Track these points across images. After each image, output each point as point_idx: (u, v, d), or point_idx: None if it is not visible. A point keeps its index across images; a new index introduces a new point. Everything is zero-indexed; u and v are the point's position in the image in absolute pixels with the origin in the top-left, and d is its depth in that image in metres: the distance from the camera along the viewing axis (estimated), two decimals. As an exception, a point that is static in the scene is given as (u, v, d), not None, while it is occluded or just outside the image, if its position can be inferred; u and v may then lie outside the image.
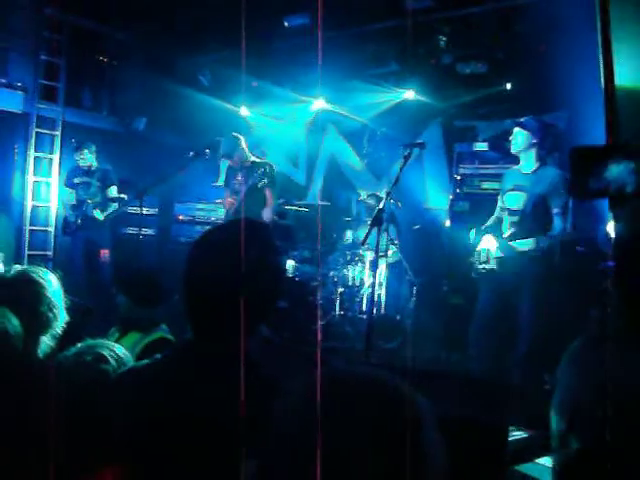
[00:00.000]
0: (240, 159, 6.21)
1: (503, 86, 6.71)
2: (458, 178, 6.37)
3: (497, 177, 5.90)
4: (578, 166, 1.16)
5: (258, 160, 6.34)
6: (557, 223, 4.62)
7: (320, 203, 8.28)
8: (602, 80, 3.00)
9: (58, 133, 8.20)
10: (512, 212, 4.79)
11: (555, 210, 4.63)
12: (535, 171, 4.75)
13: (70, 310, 3.63)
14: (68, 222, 7.32)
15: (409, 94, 7.43)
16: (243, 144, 6.25)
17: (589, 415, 1.24)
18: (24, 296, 2.28)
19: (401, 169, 4.47)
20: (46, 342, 2.34)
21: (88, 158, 7.26)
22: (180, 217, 8.46)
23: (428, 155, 7.78)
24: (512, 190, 4.83)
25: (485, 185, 6.17)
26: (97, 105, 8.94)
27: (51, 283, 2.41)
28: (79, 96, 8.70)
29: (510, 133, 4.91)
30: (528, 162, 4.78)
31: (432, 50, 6.84)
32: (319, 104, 8.09)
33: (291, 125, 8.89)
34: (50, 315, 2.33)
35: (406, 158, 4.50)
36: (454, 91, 7.16)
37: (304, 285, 7.19)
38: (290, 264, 7.37)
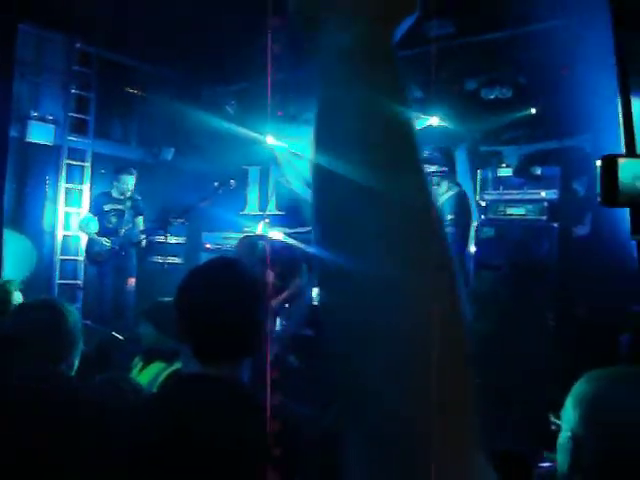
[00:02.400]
0: None
1: (528, 111, 6.67)
2: (483, 204, 6.31)
3: (522, 203, 5.84)
4: (608, 173, 1.14)
5: None
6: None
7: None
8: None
9: (88, 164, 8.34)
10: None
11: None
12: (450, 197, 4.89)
13: (97, 338, 3.67)
14: (99, 251, 7.28)
15: (433, 120, 7.41)
16: None
17: (593, 456, 1.20)
18: (46, 323, 2.32)
19: (461, 199, 4.48)
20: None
21: (130, 184, 7.33)
22: (208, 246, 8.51)
23: (453, 181, 7.73)
24: None
25: (510, 211, 6.11)
26: (126, 136, 9.11)
27: (71, 314, 2.44)
28: (108, 128, 8.87)
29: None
30: (442, 190, 4.94)
31: (456, 76, 6.83)
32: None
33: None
34: (67, 344, 2.36)
35: (462, 188, 4.52)
36: (479, 116, 7.12)
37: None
38: (316, 292, 7.33)
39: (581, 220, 5.61)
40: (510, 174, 6.22)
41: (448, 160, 5.02)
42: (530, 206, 5.93)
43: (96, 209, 7.42)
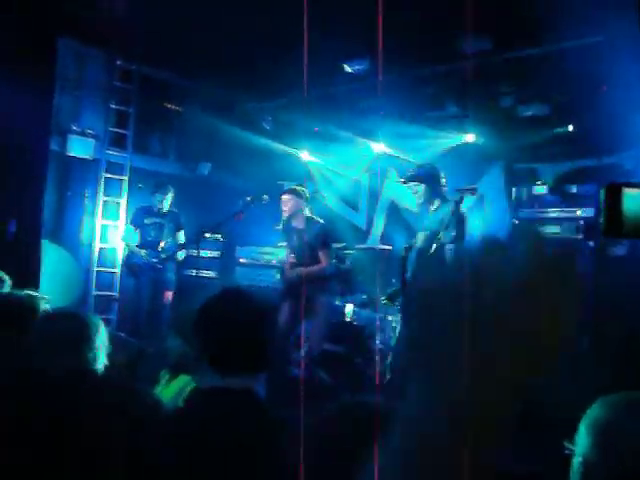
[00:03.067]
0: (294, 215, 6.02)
1: (565, 128, 6.57)
2: (517, 222, 6.22)
3: (557, 221, 5.74)
4: (612, 203, 1.10)
5: (313, 218, 6.11)
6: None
7: (381, 247, 8.21)
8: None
9: (126, 178, 8.47)
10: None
11: (447, 246, 4.77)
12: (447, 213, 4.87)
13: (123, 351, 3.71)
14: (138, 263, 7.33)
15: (469, 137, 7.37)
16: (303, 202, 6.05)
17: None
18: (71, 333, 2.39)
19: (453, 214, 4.44)
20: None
21: (168, 199, 7.42)
22: (242, 260, 8.55)
23: (489, 198, 7.64)
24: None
25: (545, 229, 6.01)
26: (164, 151, 9.24)
27: (97, 326, 2.49)
28: (147, 142, 9.01)
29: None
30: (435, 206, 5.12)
31: (492, 93, 6.79)
32: (379, 148, 8.10)
33: (352, 169, 8.92)
34: (90, 355, 2.40)
35: (457, 203, 4.48)
36: (515, 133, 7.05)
37: (362, 330, 7.10)
38: (349, 308, 7.31)
39: (618, 240, 5.49)
40: (545, 192, 6.13)
41: (430, 177, 5.06)
42: (565, 224, 5.82)
43: (137, 222, 7.49)
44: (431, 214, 5.11)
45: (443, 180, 5.18)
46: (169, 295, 7.42)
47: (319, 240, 5.84)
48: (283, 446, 1.01)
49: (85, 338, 2.39)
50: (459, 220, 4.78)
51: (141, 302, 7.43)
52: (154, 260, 7.20)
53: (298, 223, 6.02)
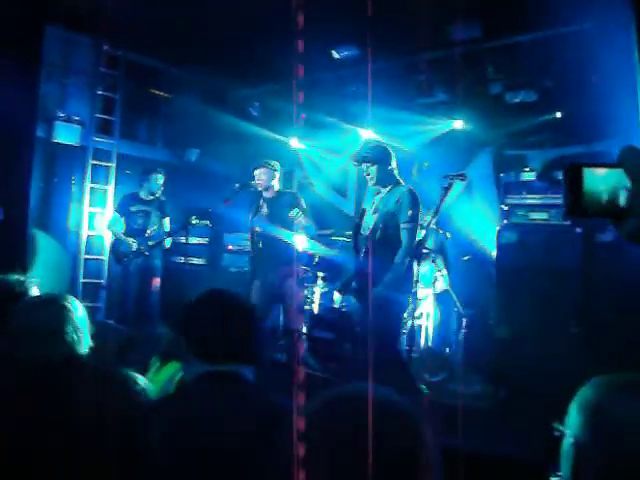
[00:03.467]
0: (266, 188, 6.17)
1: (553, 115, 6.60)
2: (505, 208, 6.23)
3: (545, 207, 5.78)
4: (573, 183, 1.11)
5: (284, 190, 6.40)
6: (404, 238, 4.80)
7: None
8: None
9: (113, 165, 8.42)
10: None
11: (402, 226, 4.82)
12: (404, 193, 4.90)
13: (112, 338, 3.72)
14: (125, 251, 7.27)
15: (458, 124, 7.38)
16: (276, 174, 6.22)
17: (595, 464, 1.18)
18: (52, 317, 2.43)
19: (441, 200, 4.45)
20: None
21: (159, 183, 7.38)
22: (230, 247, 8.54)
23: (477, 185, 7.67)
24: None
25: (533, 215, 6.02)
26: (151, 137, 9.20)
27: (77, 308, 2.53)
28: (134, 129, 8.97)
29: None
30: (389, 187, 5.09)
31: (480, 80, 6.80)
32: (367, 134, 8.09)
33: (340, 156, 8.90)
34: (75, 337, 2.44)
35: (446, 189, 4.48)
36: (503, 120, 7.07)
37: (350, 316, 7.11)
38: (337, 296, 7.32)
39: (605, 226, 5.53)
40: (533, 178, 6.14)
41: (382, 158, 5.03)
42: (553, 211, 5.84)
43: (123, 210, 7.42)
44: (384, 195, 5.04)
45: (394, 162, 5.09)
46: (157, 282, 7.41)
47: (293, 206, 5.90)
48: (280, 432, 1.01)
49: (64, 322, 2.42)
50: (415, 200, 4.81)
51: (129, 289, 7.39)
52: (141, 247, 7.17)
53: (269, 194, 6.17)
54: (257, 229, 6.13)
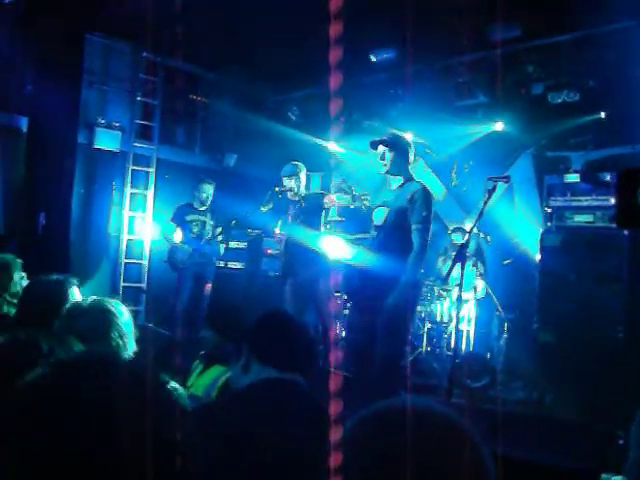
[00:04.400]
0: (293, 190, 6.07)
1: (597, 115, 6.47)
2: (549, 211, 6.12)
3: (590, 209, 5.67)
4: (626, 190, 1.03)
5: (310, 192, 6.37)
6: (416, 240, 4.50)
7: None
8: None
9: (152, 170, 8.51)
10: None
11: (414, 226, 4.51)
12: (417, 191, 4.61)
13: (154, 341, 3.72)
14: (182, 258, 7.33)
15: (498, 126, 7.29)
16: (302, 175, 6.15)
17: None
18: (97, 322, 2.44)
19: (485, 203, 4.32)
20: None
21: (209, 192, 7.45)
22: (269, 251, 8.54)
23: (519, 188, 7.56)
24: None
25: (577, 218, 5.90)
26: (190, 143, 9.26)
27: (122, 313, 2.55)
28: (173, 134, 9.05)
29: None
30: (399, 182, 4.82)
31: (521, 80, 6.71)
32: (407, 137, 8.01)
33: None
34: (120, 342, 2.45)
35: (490, 192, 4.34)
36: (545, 121, 6.97)
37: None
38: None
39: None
40: (577, 180, 6.02)
41: (402, 147, 4.77)
42: (599, 213, 5.71)
43: (179, 219, 7.51)
44: (396, 189, 4.78)
45: (411, 157, 4.83)
46: (209, 287, 7.49)
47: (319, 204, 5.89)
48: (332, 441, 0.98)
49: (110, 327, 2.43)
50: (429, 200, 4.59)
51: (181, 295, 7.44)
52: (196, 255, 7.28)
53: (295, 196, 6.09)
54: (283, 232, 6.12)
